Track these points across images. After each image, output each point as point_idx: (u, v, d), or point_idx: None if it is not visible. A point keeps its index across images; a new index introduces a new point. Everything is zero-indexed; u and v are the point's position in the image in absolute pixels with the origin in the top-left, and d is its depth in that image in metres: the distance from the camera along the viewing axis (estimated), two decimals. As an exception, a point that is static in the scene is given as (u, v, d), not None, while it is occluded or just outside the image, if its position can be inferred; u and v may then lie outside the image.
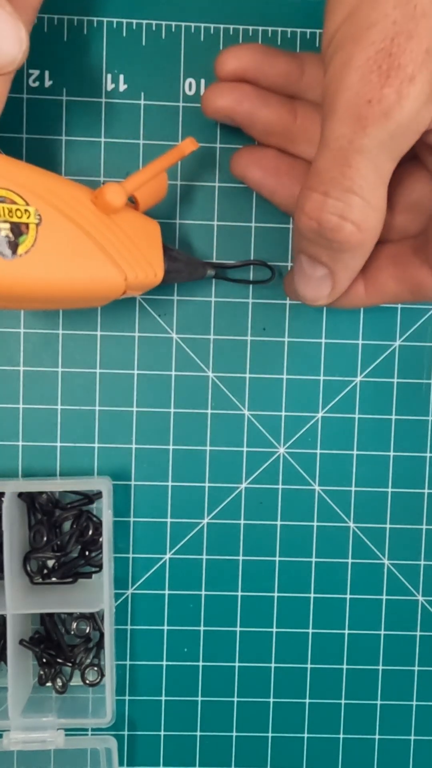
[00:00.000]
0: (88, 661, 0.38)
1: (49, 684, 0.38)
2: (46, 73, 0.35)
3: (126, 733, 0.38)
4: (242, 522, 0.38)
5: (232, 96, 0.31)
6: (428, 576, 0.38)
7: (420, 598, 0.38)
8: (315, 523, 0.38)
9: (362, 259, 0.30)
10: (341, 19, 0.26)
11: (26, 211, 0.27)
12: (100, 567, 0.37)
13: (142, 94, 0.35)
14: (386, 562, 0.38)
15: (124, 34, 0.35)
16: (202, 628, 0.38)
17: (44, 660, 0.38)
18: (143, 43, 0.35)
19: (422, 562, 0.38)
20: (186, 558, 0.38)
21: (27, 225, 0.27)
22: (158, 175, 0.31)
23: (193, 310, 0.37)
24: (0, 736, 0.36)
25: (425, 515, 0.38)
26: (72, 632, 0.38)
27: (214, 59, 0.31)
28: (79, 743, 0.37)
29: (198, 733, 0.38)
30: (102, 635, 0.38)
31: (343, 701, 0.39)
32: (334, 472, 0.38)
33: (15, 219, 0.27)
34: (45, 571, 0.37)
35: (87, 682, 0.38)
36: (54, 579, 0.37)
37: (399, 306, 0.37)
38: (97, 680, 0.38)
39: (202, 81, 0.35)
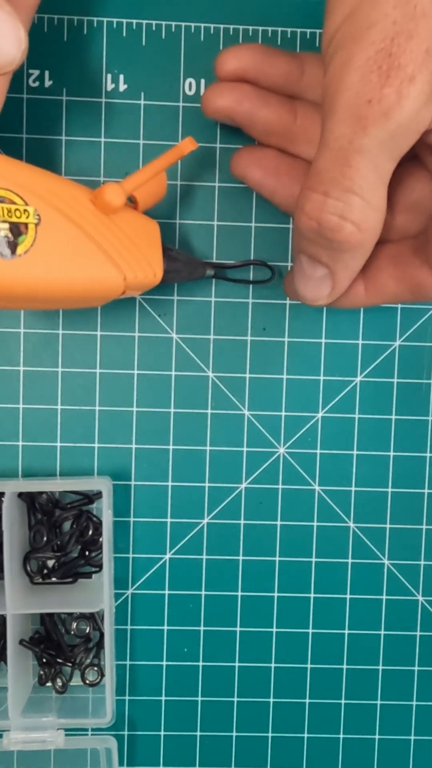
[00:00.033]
0: (88, 661, 0.38)
1: (49, 684, 0.38)
2: (46, 73, 0.35)
3: (126, 733, 0.38)
4: (242, 522, 0.38)
5: (232, 96, 0.31)
6: (428, 576, 0.38)
7: (420, 598, 0.38)
8: (315, 523, 0.38)
9: (362, 259, 0.30)
10: (341, 19, 0.26)
11: (25, 211, 0.27)
12: (100, 567, 0.37)
13: (142, 94, 0.35)
14: (386, 562, 0.38)
15: (124, 34, 0.35)
16: (202, 628, 0.38)
17: (44, 660, 0.38)
18: (143, 43, 0.35)
19: (422, 562, 0.38)
20: (186, 558, 0.38)
21: (26, 225, 0.27)
22: (157, 175, 0.31)
23: (193, 310, 0.37)
24: (0, 736, 0.36)
25: (425, 515, 0.38)
26: (72, 632, 0.38)
27: (214, 59, 0.31)
28: (79, 743, 0.37)
29: (198, 733, 0.38)
30: (102, 635, 0.38)
31: (343, 701, 0.39)
32: (334, 472, 0.38)
33: (14, 219, 0.27)
34: (45, 571, 0.37)
35: (87, 682, 0.38)
36: (54, 579, 0.37)
37: (399, 306, 0.37)
38: (97, 680, 0.38)
39: (202, 81, 0.35)
